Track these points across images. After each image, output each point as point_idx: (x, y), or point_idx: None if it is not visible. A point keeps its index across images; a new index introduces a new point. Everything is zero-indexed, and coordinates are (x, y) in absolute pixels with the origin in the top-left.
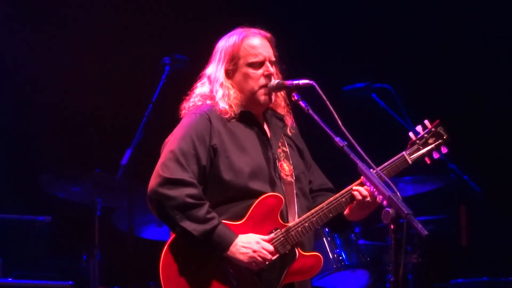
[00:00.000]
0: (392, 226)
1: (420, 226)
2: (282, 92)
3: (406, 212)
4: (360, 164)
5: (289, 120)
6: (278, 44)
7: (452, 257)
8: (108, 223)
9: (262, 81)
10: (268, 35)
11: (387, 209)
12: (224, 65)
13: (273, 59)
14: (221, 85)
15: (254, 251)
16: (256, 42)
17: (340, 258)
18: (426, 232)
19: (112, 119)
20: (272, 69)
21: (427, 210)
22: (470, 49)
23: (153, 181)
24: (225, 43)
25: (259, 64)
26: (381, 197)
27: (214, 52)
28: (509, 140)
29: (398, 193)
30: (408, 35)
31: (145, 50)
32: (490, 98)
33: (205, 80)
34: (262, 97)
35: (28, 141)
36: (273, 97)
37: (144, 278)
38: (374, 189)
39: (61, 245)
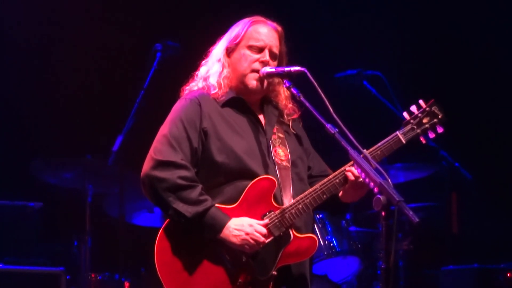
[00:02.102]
0: (383, 213)
1: (411, 213)
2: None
3: (397, 199)
4: (351, 151)
5: (289, 108)
6: None
7: (443, 244)
8: (99, 210)
9: (256, 65)
10: (279, 28)
11: (378, 196)
12: (226, 43)
13: (275, 50)
14: (218, 60)
15: (247, 234)
16: (263, 29)
17: (331, 244)
18: (417, 219)
19: (103, 106)
20: (268, 58)
21: (418, 197)
22: (462, 36)
23: (145, 165)
24: (235, 26)
25: (258, 50)
26: (372, 184)
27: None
28: (500, 128)
29: (389, 180)
30: (400, 22)
31: (137, 36)
32: (482, 86)
33: (209, 58)
34: (251, 81)
35: (19, 127)
36: (265, 84)
37: (135, 265)
38: (365, 176)
39: (52, 231)
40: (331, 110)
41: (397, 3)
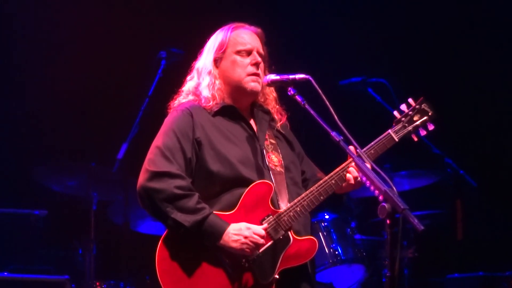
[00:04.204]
0: (388, 221)
1: (416, 221)
2: (273, 91)
3: (402, 207)
4: (356, 159)
5: (278, 114)
6: (275, 38)
7: (448, 252)
8: (103, 217)
9: (250, 69)
10: (258, 30)
11: (383, 204)
12: (213, 54)
13: (261, 51)
14: (209, 73)
15: (246, 237)
16: (245, 33)
17: (336, 252)
18: (422, 227)
19: (108, 113)
20: (259, 59)
21: (423, 205)
22: (467, 44)
23: (141, 177)
24: (215, 36)
25: (247, 53)
26: (377, 192)
27: (204, 46)
28: (505, 135)
29: (394, 188)
30: (404, 29)
31: (141, 44)
32: (487, 94)
33: (194, 73)
34: (249, 84)
35: (24, 134)
36: (260, 85)
37: (140, 273)
38: (370, 184)
39: (56, 239)
40: (336, 117)
41: (402, 10)
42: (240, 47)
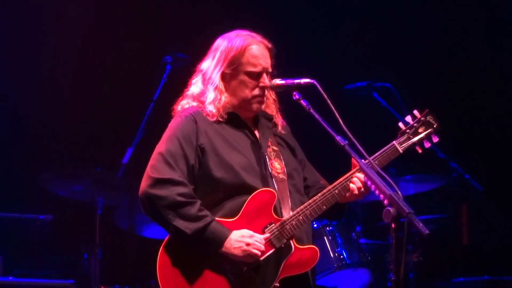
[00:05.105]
0: (393, 225)
1: (421, 225)
2: (272, 93)
3: (407, 211)
4: (361, 163)
5: (279, 120)
6: (280, 42)
7: (453, 256)
8: (109, 222)
9: (257, 91)
10: (270, 45)
11: (388, 208)
12: (222, 67)
13: (270, 70)
14: (215, 88)
15: (248, 244)
16: (259, 52)
17: (341, 257)
18: (427, 231)
19: (113, 118)
20: (268, 82)
21: (429, 209)
22: (472, 47)
23: (143, 184)
24: (227, 45)
25: (257, 75)
26: (382, 196)
27: (213, 49)
28: (510, 139)
29: (399, 192)
30: (409, 34)
31: (147, 48)
32: (492, 97)
33: (199, 77)
34: (254, 105)
35: (29, 139)
36: (264, 105)
37: (145, 277)
38: (375, 188)
39: (62, 243)
40: (341, 122)
41: (407, 15)
42: (251, 69)
